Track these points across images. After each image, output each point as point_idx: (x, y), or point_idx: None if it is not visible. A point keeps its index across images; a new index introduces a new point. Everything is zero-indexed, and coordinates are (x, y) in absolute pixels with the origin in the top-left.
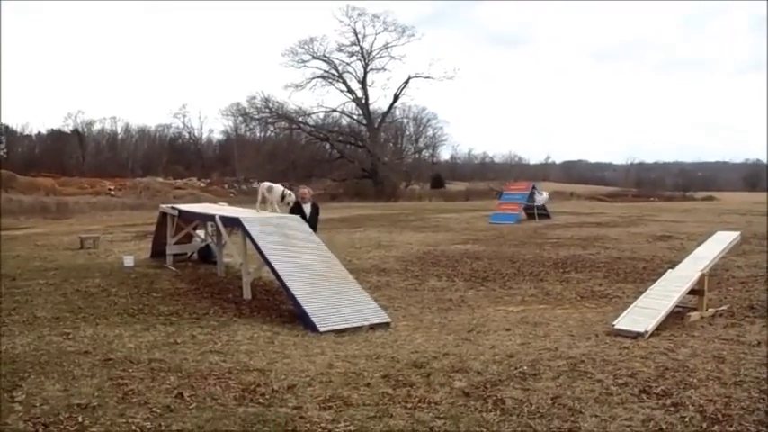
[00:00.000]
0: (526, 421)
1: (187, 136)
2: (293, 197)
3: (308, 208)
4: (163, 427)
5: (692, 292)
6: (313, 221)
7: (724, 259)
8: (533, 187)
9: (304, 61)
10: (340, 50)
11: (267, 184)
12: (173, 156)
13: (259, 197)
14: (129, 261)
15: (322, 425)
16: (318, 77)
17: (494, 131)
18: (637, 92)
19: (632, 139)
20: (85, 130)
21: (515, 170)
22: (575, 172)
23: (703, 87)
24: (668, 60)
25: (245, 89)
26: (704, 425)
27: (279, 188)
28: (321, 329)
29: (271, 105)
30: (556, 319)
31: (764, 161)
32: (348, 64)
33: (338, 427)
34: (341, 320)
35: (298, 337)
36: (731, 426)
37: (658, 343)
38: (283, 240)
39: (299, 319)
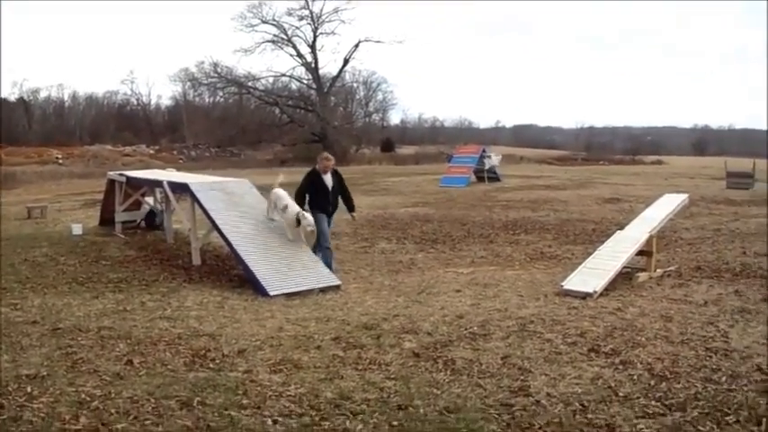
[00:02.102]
0: (476, 381)
1: (135, 102)
2: (309, 220)
3: (328, 179)
4: (113, 395)
5: (640, 253)
6: (337, 193)
7: (672, 221)
8: (483, 150)
9: (253, 25)
10: (289, 14)
11: (284, 199)
12: (121, 123)
13: (270, 204)
14: (77, 229)
15: (273, 388)
16: (268, 42)
17: (444, 95)
18: (587, 57)
19: (582, 104)
20: (31, 98)
21: (466, 134)
22: (525, 136)
23: (652, 53)
24: (617, 25)
25: (193, 54)
26: (652, 382)
27: (294, 209)
28: (271, 293)
29: (220, 70)
30: (505, 281)
31: (713, 126)
32: (298, 28)
33: (289, 390)
34: (291, 284)
35: (247, 302)
36: (678, 383)
37: (607, 303)
38: (232, 205)
39: (248, 283)
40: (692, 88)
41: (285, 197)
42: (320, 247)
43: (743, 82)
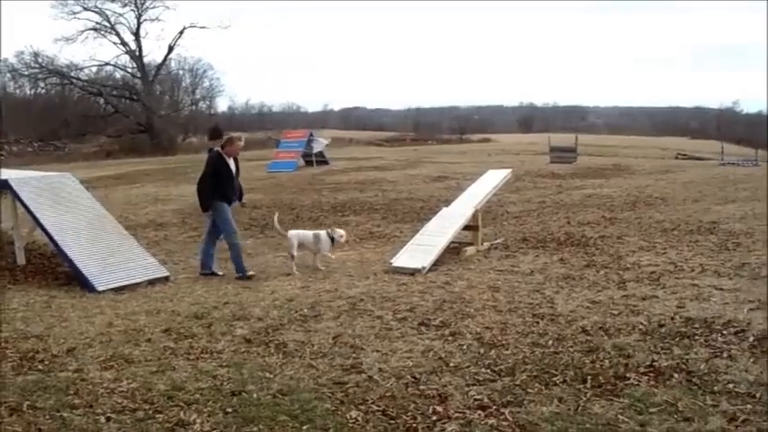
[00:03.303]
0: (309, 362)
1: None
2: (339, 232)
3: (232, 163)
4: None
5: (467, 227)
6: (237, 178)
7: (498, 196)
8: (311, 134)
9: (75, 12)
10: (112, 1)
11: (306, 233)
12: None
13: (294, 249)
14: None
15: (104, 385)
16: (90, 30)
17: (272, 80)
18: (414, 38)
19: (410, 85)
20: None
21: (294, 119)
22: (353, 119)
23: (481, 34)
24: (445, 6)
25: (12, 44)
26: (482, 350)
27: (321, 232)
28: (99, 289)
29: (40, 60)
30: (335, 262)
31: (537, 104)
32: (121, 15)
33: (121, 386)
34: (119, 278)
35: (75, 299)
36: (507, 349)
37: (436, 278)
38: (55, 200)
39: (76, 280)
40: (517, 67)
41: (303, 232)
42: (230, 244)
43: (567, 62)
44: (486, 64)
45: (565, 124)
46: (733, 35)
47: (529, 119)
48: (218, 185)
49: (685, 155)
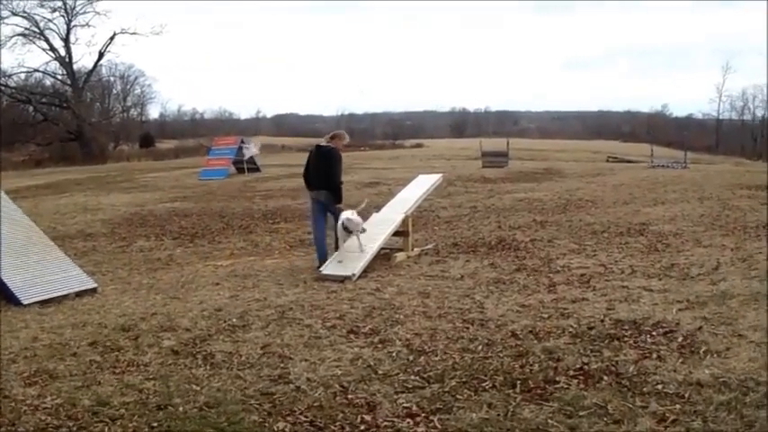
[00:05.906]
0: (236, 373)
1: None
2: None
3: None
4: None
5: (397, 233)
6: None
7: (430, 201)
8: (242, 141)
9: (2, 18)
10: (41, 6)
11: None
12: None
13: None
14: None
15: (27, 402)
16: (18, 35)
17: (204, 87)
18: (346, 44)
19: (341, 91)
20: None
21: (226, 125)
22: (286, 125)
23: (411, 39)
24: (376, 11)
25: None
26: (411, 357)
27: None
28: (24, 302)
29: None
30: (264, 270)
31: (470, 109)
32: (50, 20)
33: (45, 402)
34: (45, 291)
35: (0, 314)
36: (436, 356)
37: (365, 284)
38: None
39: (0, 294)
40: (449, 72)
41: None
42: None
43: (498, 67)
44: (419, 69)
45: (497, 129)
46: (663, 38)
47: (461, 124)
48: None
49: (616, 158)
